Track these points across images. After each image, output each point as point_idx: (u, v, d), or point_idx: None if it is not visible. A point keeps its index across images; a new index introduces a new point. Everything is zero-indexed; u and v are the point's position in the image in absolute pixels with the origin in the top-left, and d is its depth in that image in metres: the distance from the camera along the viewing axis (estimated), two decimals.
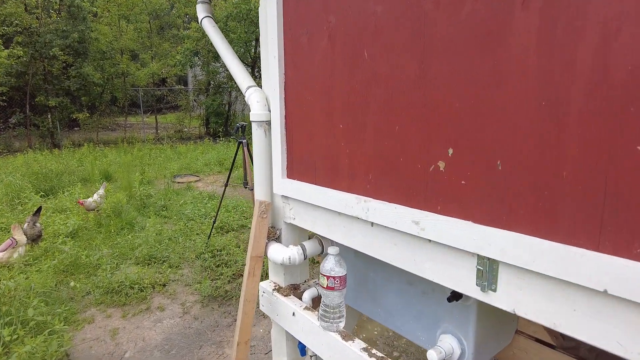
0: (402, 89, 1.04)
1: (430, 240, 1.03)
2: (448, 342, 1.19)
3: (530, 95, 0.79)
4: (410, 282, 1.32)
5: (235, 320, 3.22)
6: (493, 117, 0.85)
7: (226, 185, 4.52)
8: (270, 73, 1.50)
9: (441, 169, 0.97)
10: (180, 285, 3.72)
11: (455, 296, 1.13)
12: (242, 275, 3.99)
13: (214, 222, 4.54)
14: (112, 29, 15.16)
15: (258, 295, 1.64)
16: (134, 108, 18.07)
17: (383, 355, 1.23)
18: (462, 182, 0.93)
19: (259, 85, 1.63)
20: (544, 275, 0.80)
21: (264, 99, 1.56)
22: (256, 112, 1.54)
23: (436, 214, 0.98)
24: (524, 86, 0.80)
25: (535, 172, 0.80)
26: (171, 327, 3.08)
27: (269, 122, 1.55)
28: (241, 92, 1.69)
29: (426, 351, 1.18)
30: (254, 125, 1.56)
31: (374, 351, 1.25)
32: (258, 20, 1.62)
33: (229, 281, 3.72)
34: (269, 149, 1.57)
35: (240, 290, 1.55)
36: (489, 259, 0.89)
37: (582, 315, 0.77)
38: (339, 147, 1.26)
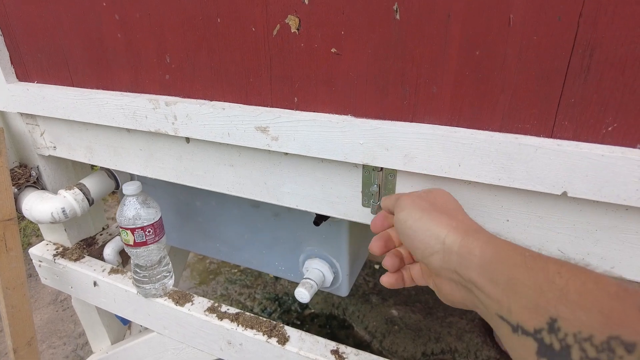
0: None
1: (287, 154, 0.65)
2: (317, 269, 0.92)
3: None
4: (256, 204, 0.96)
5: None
6: None
7: None
8: None
9: (293, 29, 0.56)
10: None
11: (322, 217, 0.84)
12: None
13: None
14: None
15: (25, 275, 1.06)
16: None
17: (239, 311, 0.91)
18: (333, 49, 0.54)
19: None
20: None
21: None
22: None
23: (293, 112, 0.60)
24: None
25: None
26: None
27: None
28: None
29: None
30: None
31: (224, 308, 0.91)
32: None
33: None
34: None
35: None
36: (387, 169, 0.58)
37: None
38: (101, 10, 0.69)
